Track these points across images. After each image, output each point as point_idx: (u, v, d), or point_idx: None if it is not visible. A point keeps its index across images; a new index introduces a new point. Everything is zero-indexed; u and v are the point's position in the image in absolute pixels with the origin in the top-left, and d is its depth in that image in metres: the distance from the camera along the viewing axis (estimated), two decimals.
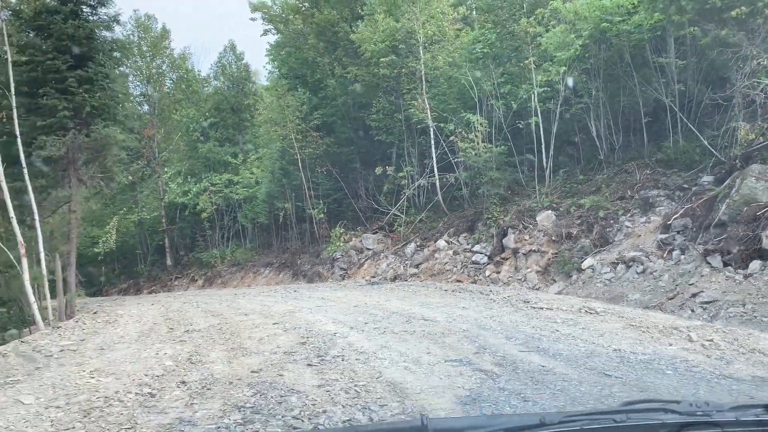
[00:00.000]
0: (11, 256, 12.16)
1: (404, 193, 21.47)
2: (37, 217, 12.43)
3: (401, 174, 21.16)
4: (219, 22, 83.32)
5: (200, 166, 31.31)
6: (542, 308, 9.93)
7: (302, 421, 4.80)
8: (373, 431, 2.10)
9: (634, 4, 15.62)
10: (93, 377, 6.62)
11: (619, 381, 5.52)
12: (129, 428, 4.84)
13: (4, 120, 12.39)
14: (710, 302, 9.82)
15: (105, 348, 8.68)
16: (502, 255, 16.20)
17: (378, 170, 21.85)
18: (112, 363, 7.40)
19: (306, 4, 27.32)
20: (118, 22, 15.02)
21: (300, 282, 21.68)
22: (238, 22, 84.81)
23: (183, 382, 6.18)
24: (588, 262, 13.67)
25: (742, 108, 13.24)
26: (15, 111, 12.37)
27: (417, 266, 18.43)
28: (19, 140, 12.24)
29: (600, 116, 17.82)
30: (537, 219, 16.10)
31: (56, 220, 14.35)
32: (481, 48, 19.14)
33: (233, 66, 33.49)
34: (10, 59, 12.45)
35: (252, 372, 6.43)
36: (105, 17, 14.62)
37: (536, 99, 17.49)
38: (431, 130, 19.91)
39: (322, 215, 23.38)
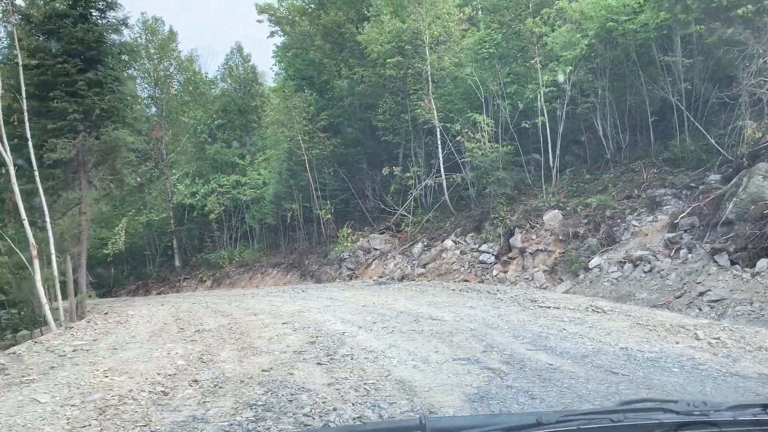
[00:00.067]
0: (23, 258, 12.33)
1: (411, 193, 21.50)
2: (48, 219, 12.60)
3: (408, 174, 21.19)
4: (226, 24, 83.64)
5: (208, 168, 31.49)
6: (549, 307, 9.96)
7: (313, 418, 4.87)
8: (372, 431, 2.13)
9: (640, 3, 15.60)
10: (107, 376, 6.73)
11: (626, 379, 5.56)
12: (143, 426, 4.93)
13: (16, 123, 12.56)
14: (717, 301, 9.83)
15: (117, 348, 8.80)
16: (509, 254, 16.23)
17: (385, 170, 21.87)
18: (125, 362, 7.51)
19: (312, 5, 27.46)
20: (126, 25, 15.21)
21: (308, 282, 21.77)
22: (244, 24, 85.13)
23: (195, 381, 6.27)
24: (595, 261, 13.68)
25: (749, 106, 13.22)
26: (26, 114, 12.54)
27: (424, 266, 18.47)
28: (30, 143, 12.42)
29: (606, 115, 17.79)
30: (544, 218, 16.12)
31: (67, 221, 14.51)
32: (487, 48, 19.18)
33: (240, 68, 33.72)
34: (20, 63, 12.63)
35: (263, 371, 6.51)
36: (114, 21, 14.81)
37: (542, 99, 17.51)
38: (438, 130, 19.96)
39: (329, 216, 23.45)
